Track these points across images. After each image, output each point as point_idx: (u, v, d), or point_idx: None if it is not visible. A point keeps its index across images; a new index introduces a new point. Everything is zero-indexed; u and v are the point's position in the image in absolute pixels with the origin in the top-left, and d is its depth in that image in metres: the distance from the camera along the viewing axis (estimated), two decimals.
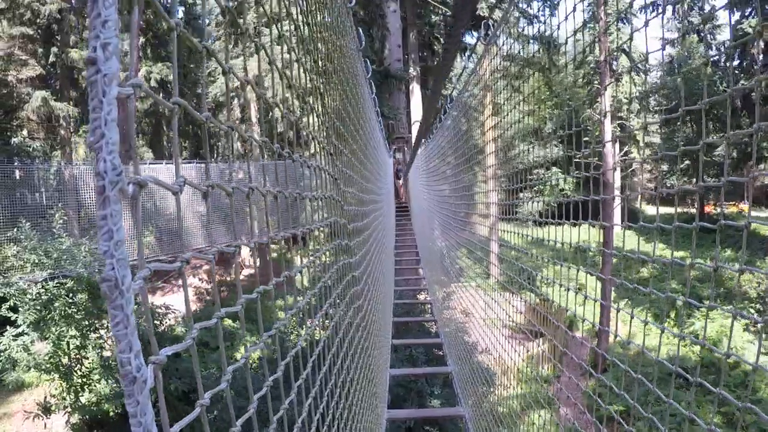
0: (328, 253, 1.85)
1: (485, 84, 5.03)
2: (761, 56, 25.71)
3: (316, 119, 1.73)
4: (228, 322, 16.84)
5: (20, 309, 11.67)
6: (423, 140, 9.75)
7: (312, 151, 1.69)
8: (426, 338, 9.58)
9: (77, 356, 12.16)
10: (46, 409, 11.64)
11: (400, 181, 19.02)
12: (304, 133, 1.51)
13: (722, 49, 30.59)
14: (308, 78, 1.54)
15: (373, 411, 3.59)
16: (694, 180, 30.95)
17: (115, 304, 0.53)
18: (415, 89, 26.00)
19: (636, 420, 2.10)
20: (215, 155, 29.11)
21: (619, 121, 29.74)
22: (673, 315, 19.71)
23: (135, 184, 0.58)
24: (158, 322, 13.33)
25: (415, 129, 25.19)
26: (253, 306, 1.04)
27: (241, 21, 0.83)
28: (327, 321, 1.72)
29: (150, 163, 21.00)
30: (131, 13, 0.63)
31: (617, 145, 26.74)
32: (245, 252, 26.17)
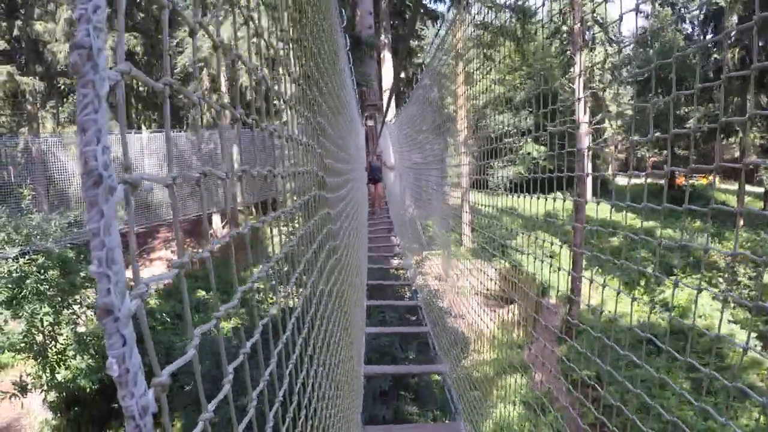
0: (302, 222, 1.85)
1: (457, 52, 5.02)
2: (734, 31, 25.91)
3: (293, 84, 1.71)
4: (201, 293, 16.82)
5: None
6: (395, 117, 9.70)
7: (285, 119, 1.67)
8: (400, 302, 9.60)
9: (51, 333, 12.05)
10: (23, 389, 11.52)
11: (379, 185, 14.17)
12: (280, 101, 1.49)
13: (695, 22, 30.85)
14: (283, 38, 1.52)
15: (352, 365, 3.64)
16: (665, 152, 31.34)
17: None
18: (386, 57, 25.88)
19: (608, 384, 2.16)
20: (184, 126, 28.64)
21: (591, 91, 29.90)
22: (642, 283, 20.06)
23: (127, 184, 0.52)
24: None
25: (385, 97, 25.06)
26: (226, 278, 1.03)
27: None
28: (302, 289, 1.73)
29: (117, 134, 20.56)
30: None
31: (588, 115, 26.88)
32: (216, 223, 26.09)
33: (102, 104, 0.44)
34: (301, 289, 1.69)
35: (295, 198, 1.63)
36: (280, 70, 1.57)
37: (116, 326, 0.46)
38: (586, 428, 2.18)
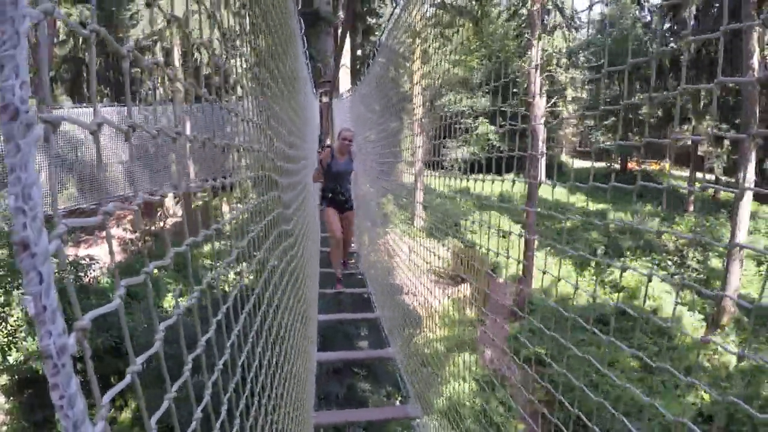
0: (255, 201, 1.84)
1: (414, 31, 5.00)
2: (692, 22, 26.33)
3: (244, 62, 1.70)
4: (155, 272, 16.44)
5: None
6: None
7: (239, 94, 1.66)
8: (352, 288, 9.52)
9: (1, 314, 11.69)
10: None
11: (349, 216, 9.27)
12: (231, 79, 1.48)
13: (654, 10, 31.43)
14: (236, 17, 1.51)
15: (306, 354, 3.65)
16: (617, 136, 31.95)
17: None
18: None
19: (556, 362, 2.22)
20: (137, 101, 27.86)
21: (548, 74, 30.21)
22: (593, 264, 20.52)
23: (47, 123, 0.50)
24: (83, 275, 12.90)
25: (342, 73, 24.77)
26: (180, 256, 1.02)
27: None
28: (258, 267, 1.73)
29: (70, 108, 19.85)
30: None
31: (544, 98, 27.16)
32: (169, 200, 25.55)
33: (21, 41, 0.44)
34: (253, 266, 1.70)
35: (246, 173, 1.63)
36: (237, 44, 1.56)
37: (33, 262, 0.45)
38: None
